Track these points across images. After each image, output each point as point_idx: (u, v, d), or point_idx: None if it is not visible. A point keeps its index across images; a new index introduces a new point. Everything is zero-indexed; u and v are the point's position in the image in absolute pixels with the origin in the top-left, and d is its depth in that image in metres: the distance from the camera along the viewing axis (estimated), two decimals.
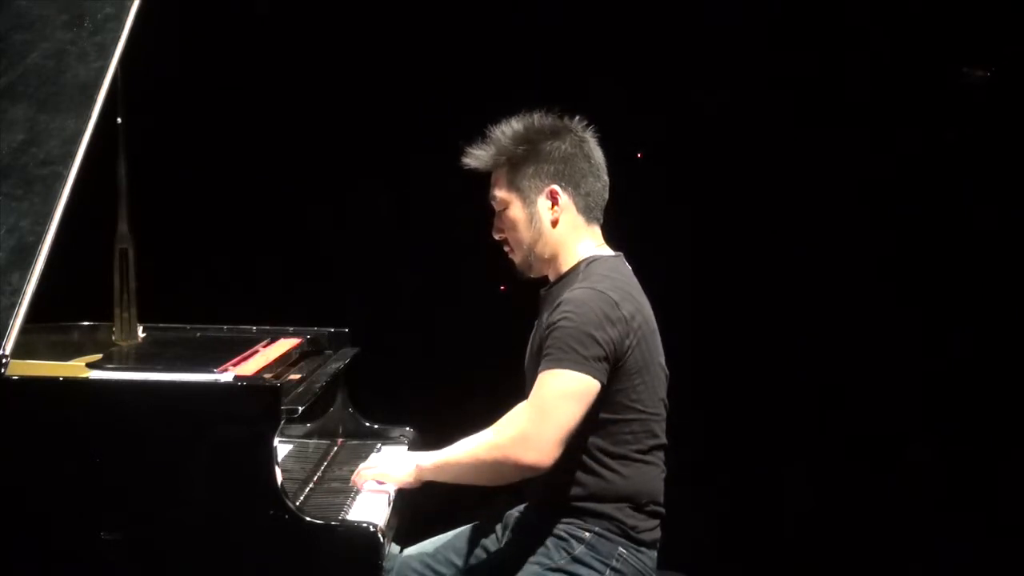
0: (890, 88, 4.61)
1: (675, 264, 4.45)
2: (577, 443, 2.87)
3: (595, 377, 2.82)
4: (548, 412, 2.81)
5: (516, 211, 3.03)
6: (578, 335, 2.82)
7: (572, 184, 3.01)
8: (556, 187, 3.00)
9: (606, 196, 3.07)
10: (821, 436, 4.65)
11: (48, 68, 3.05)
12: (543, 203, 3.01)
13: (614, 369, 2.86)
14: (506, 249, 3.09)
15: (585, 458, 2.90)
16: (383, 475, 3.04)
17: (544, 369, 2.84)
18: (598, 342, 2.82)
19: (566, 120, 3.07)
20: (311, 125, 4.66)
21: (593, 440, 2.90)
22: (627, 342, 2.87)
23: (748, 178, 4.65)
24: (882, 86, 4.61)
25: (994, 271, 4.57)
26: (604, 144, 3.10)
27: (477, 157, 3.06)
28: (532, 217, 3.01)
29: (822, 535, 4.58)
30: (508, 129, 3.05)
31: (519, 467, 2.82)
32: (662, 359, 3.01)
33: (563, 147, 3.01)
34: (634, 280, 3.02)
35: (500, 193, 3.05)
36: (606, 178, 3.07)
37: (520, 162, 3.01)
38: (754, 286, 4.66)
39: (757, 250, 4.68)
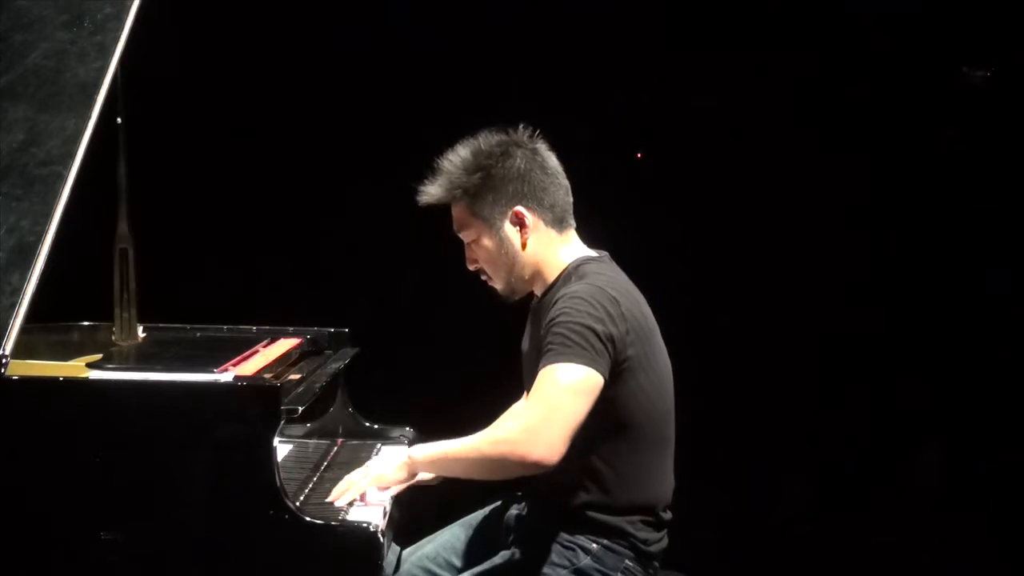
0: (890, 88, 4.61)
1: (673, 263, 4.46)
2: (591, 449, 2.83)
3: (598, 371, 2.76)
4: (554, 407, 2.72)
5: (485, 241, 2.96)
6: (579, 328, 2.76)
7: (535, 200, 2.94)
8: (520, 208, 2.93)
9: (570, 199, 3.00)
10: (821, 436, 4.65)
11: (48, 68, 3.04)
12: (510, 228, 2.95)
13: (617, 367, 2.81)
14: (484, 278, 3.04)
15: (600, 466, 2.86)
16: (378, 479, 2.91)
17: (546, 364, 2.76)
18: (599, 336, 2.77)
19: (512, 134, 2.98)
20: (311, 125, 4.66)
21: (608, 447, 2.85)
22: (628, 339, 2.83)
23: (748, 178, 4.65)
24: (882, 86, 4.62)
25: (995, 271, 4.57)
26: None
27: (431, 193, 2.98)
28: (503, 244, 2.95)
29: (822, 536, 4.58)
30: (456, 158, 2.97)
31: (525, 463, 2.72)
32: (666, 357, 2.97)
33: (517, 165, 2.93)
34: (626, 277, 2.98)
35: (464, 227, 2.98)
36: (566, 182, 2.99)
37: (477, 191, 2.93)
38: (752, 286, 4.66)
39: (756, 250, 4.68)
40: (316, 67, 4.65)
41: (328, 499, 2.92)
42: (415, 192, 3.01)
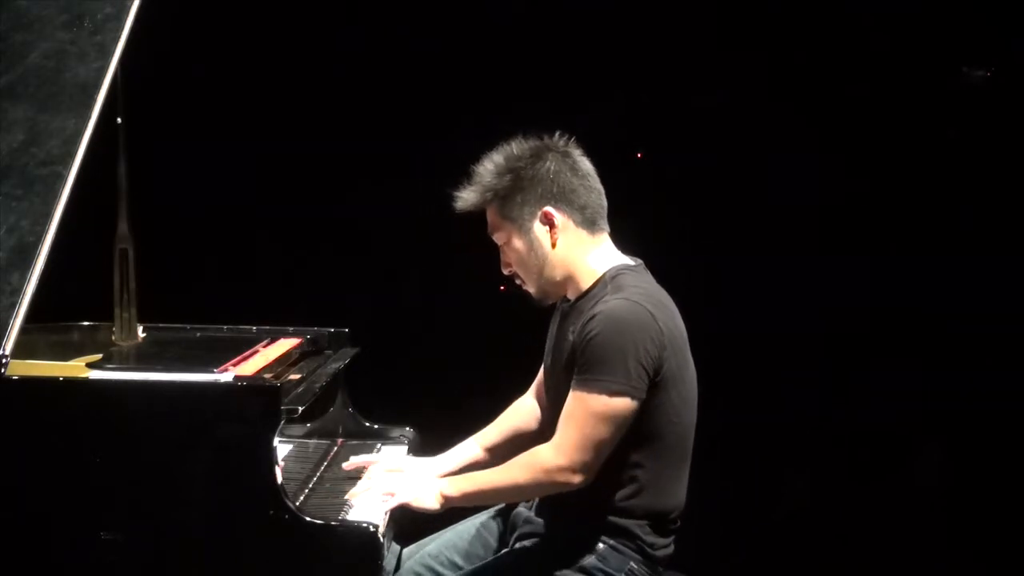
0: (890, 88, 4.61)
1: (672, 262, 4.44)
2: (614, 458, 2.84)
3: (634, 397, 2.79)
4: (588, 434, 2.78)
5: (516, 242, 2.97)
6: (617, 352, 2.77)
7: (564, 201, 2.94)
8: (549, 208, 2.93)
9: (604, 203, 3.00)
10: (822, 436, 4.65)
11: (48, 68, 3.04)
12: (539, 227, 2.94)
13: (652, 383, 2.82)
14: (518, 282, 3.04)
15: (622, 474, 2.86)
16: (414, 501, 2.91)
17: (583, 390, 2.79)
18: (637, 359, 2.78)
19: (546, 139, 2.99)
20: (311, 125, 4.66)
21: (631, 457, 2.86)
22: (664, 354, 2.83)
23: (748, 178, 4.65)
24: (882, 86, 4.62)
25: (995, 271, 4.57)
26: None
27: (465, 200, 2.99)
28: (532, 244, 2.95)
29: (823, 536, 4.58)
30: (489, 164, 2.98)
31: (563, 487, 2.82)
32: (694, 369, 2.97)
33: (547, 167, 2.94)
34: (661, 289, 2.97)
35: (497, 229, 2.99)
36: (599, 186, 3.00)
37: (507, 193, 2.94)
38: (753, 285, 4.66)
39: (756, 249, 4.68)
40: (315, 67, 4.65)
41: (347, 496, 2.96)
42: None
